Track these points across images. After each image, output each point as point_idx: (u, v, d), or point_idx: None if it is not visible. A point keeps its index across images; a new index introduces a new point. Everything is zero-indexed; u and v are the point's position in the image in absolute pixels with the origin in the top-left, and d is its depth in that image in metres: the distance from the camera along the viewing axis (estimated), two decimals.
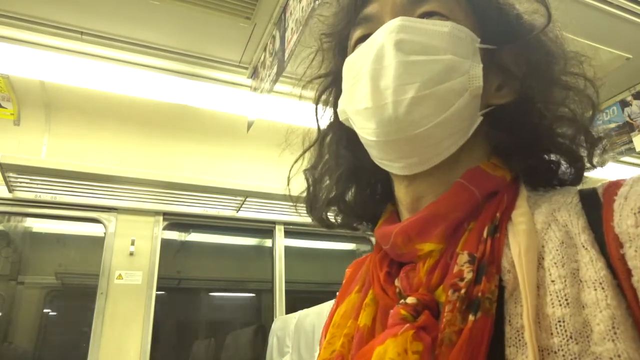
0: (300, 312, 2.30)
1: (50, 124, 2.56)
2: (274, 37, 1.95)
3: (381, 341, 0.39)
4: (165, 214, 2.68)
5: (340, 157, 0.60)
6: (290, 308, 2.80)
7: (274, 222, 3.00)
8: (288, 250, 3.01)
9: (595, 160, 0.50)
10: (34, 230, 2.83)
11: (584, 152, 0.50)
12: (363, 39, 0.51)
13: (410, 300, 0.41)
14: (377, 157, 0.50)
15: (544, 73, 0.49)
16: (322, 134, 0.62)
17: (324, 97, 0.62)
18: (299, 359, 2.15)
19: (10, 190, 2.32)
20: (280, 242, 2.99)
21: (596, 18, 1.85)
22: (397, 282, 0.46)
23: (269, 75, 1.94)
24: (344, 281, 0.60)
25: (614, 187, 0.40)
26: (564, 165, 0.50)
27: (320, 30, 0.60)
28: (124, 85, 2.23)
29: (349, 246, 3.75)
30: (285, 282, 2.91)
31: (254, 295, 3.43)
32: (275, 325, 2.55)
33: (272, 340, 2.50)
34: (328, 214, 0.62)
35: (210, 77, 2.28)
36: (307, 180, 0.62)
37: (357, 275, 0.57)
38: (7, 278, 2.63)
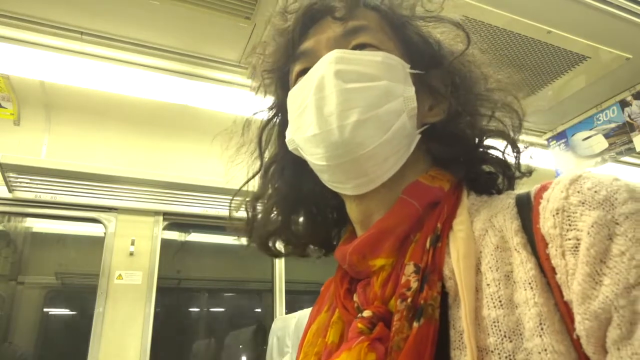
0: (300, 312, 2.30)
1: (50, 124, 2.56)
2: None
3: (337, 355, 0.42)
4: (165, 214, 2.68)
5: (285, 187, 0.62)
6: (290, 308, 2.80)
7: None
8: None
9: (522, 168, 0.54)
10: (34, 230, 2.83)
11: (512, 161, 0.55)
12: (303, 72, 0.54)
13: (366, 313, 0.44)
14: (329, 180, 0.53)
15: (469, 91, 0.53)
16: (266, 165, 0.64)
17: (267, 129, 0.64)
18: None
19: (10, 190, 2.32)
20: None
21: (596, 18, 1.84)
22: (355, 298, 0.49)
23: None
24: (317, 299, 0.61)
25: (542, 190, 0.42)
26: (500, 175, 0.55)
27: (261, 68, 0.63)
28: (124, 85, 2.22)
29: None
30: (285, 282, 2.91)
31: (254, 295, 3.43)
32: (275, 325, 2.55)
33: (272, 340, 2.49)
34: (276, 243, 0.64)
35: (210, 77, 2.27)
36: (248, 212, 0.64)
37: (327, 294, 0.59)
38: (7, 278, 2.63)
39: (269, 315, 2.85)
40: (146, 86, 2.24)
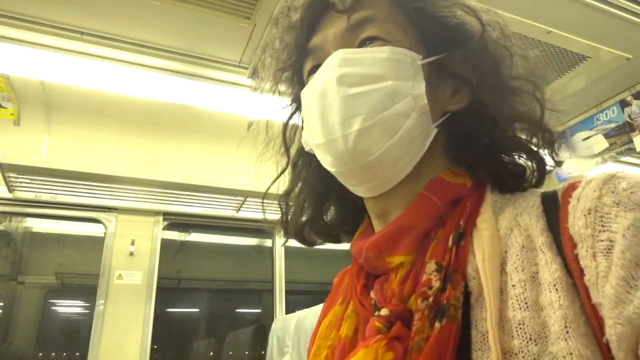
0: (300, 312, 2.31)
1: (50, 124, 2.56)
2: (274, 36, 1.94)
3: (355, 353, 0.41)
4: (165, 214, 2.68)
5: (311, 180, 0.63)
6: (291, 308, 2.80)
7: (274, 222, 2.99)
8: (288, 250, 3.01)
9: (555, 157, 0.52)
10: (34, 230, 2.82)
11: (542, 152, 0.52)
12: (313, 70, 0.54)
13: (384, 311, 0.43)
14: (343, 182, 0.53)
15: (492, 75, 0.51)
16: (293, 159, 0.64)
17: (291, 123, 0.64)
18: (299, 359, 2.15)
19: (10, 190, 2.32)
20: (280, 242, 2.99)
21: (596, 18, 1.84)
22: (372, 294, 0.47)
23: (269, 75, 1.93)
24: (330, 291, 0.61)
25: (570, 188, 0.41)
26: (528, 170, 0.52)
27: (274, 67, 0.62)
28: (124, 85, 2.22)
29: (349, 246, 3.75)
30: (285, 282, 2.91)
31: (254, 295, 3.43)
32: (275, 325, 2.55)
33: (272, 340, 2.49)
34: (311, 234, 0.64)
35: (210, 77, 2.27)
36: (281, 207, 0.65)
37: (341, 287, 0.58)
38: (7, 278, 2.63)
39: (269, 315, 2.85)
40: (146, 86, 2.24)
